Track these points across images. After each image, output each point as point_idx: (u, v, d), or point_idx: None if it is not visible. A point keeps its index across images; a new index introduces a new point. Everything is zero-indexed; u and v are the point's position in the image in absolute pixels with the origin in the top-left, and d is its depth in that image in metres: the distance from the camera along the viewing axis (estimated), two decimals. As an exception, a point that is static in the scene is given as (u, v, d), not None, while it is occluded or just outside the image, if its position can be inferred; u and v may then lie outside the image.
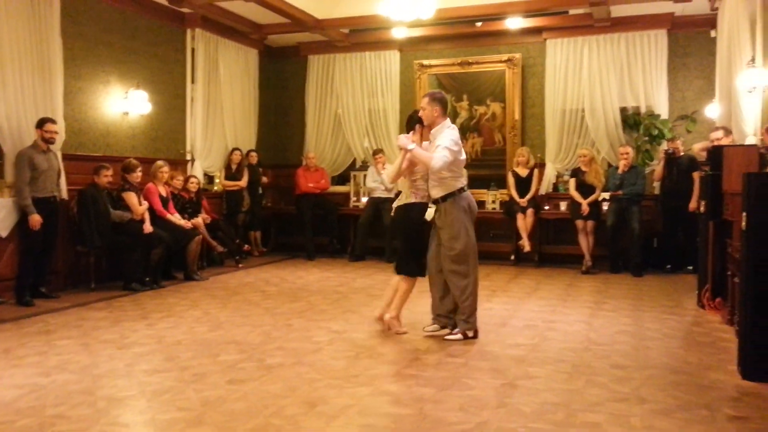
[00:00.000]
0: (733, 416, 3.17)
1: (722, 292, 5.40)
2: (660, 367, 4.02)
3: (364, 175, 9.47)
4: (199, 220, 7.67)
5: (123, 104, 7.55)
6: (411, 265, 4.77)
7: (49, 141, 6.05)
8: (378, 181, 9.12)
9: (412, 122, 4.88)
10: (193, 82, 8.65)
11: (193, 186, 7.91)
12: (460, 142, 4.67)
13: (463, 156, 4.69)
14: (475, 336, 4.71)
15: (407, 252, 4.76)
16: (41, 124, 6.04)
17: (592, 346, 4.51)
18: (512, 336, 4.81)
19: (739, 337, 3.97)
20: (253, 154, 9.37)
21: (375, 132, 9.76)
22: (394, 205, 4.89)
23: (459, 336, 4.69)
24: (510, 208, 8.46)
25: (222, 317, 5.45)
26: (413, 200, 4.72)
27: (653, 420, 3.10)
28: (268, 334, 4.83)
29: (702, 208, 5.83)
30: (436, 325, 4.89)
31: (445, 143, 4.56)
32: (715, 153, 5.48)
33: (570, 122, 8.89)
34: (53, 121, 6.12)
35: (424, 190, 4.73)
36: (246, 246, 8.79)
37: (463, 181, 4.68)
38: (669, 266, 8.00)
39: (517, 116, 9.11)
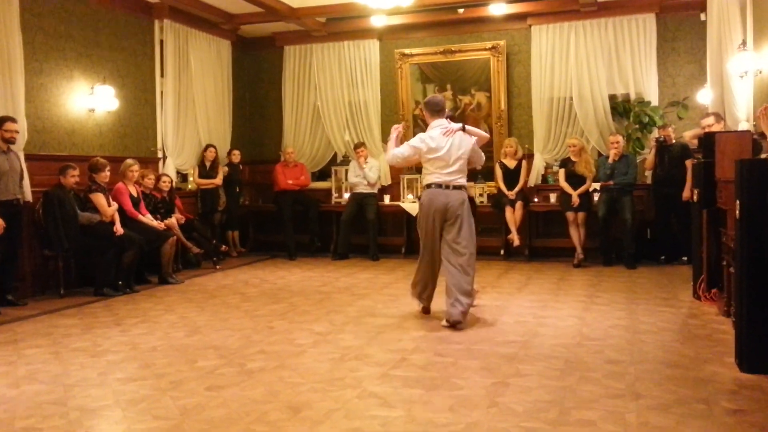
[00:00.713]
0: (732, 410, 3.22)
1: (718, 282, 5.46)
2: (655, 361, 4.06)
3: (346, 170, 9.47)
4: (173, 220, 7.62)
5: (89, 100, 7.47)
6: None
7: (10, 141, 5.97)
8: (360, 176, 9.12)
9: None
10: (162, 75, 8.58)
11: (165, 185, 7.85)
12: (429, 140, 5.12)
13: (437, 154, 5.09)
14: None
15: None
16: (0, 123, 5.94)
17: (585, 342, 4.55)
18: (503, 333, 4.84)
19: (736, 328, 4.02)
20: (236, 152, 9.34)
21: (356, 125, 9.75)
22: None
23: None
24: (498, 201, 8.50)
25: (199, 321, 5.42)
26: None
27: (649, 416, 3.14)
28: (249, 338, 4.82)
29: (695, 197, 5.90)
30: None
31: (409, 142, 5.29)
32: (707, 140, 5.54)
33: (558, 111, 8.94)
34: (13, 120, 6.04)
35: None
36: (223, 246, 8.76)
37: (431, 178, 5.13)
38: (663, 257, 8.08)
39: (503, 106, 9.15)
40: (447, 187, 5.08)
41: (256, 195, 10.29)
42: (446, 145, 5.07)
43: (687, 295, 6.08)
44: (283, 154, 9.69)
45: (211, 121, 9.36)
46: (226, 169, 9.16)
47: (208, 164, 8.96)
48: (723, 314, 5.15)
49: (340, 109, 9.81)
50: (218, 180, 8.98)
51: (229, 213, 9.24)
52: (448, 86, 9.37)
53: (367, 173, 9.09)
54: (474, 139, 5.18)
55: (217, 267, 8.29)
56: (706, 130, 6.51)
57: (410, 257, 8.97)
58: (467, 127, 5.25)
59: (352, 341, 4.69)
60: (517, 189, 8.42)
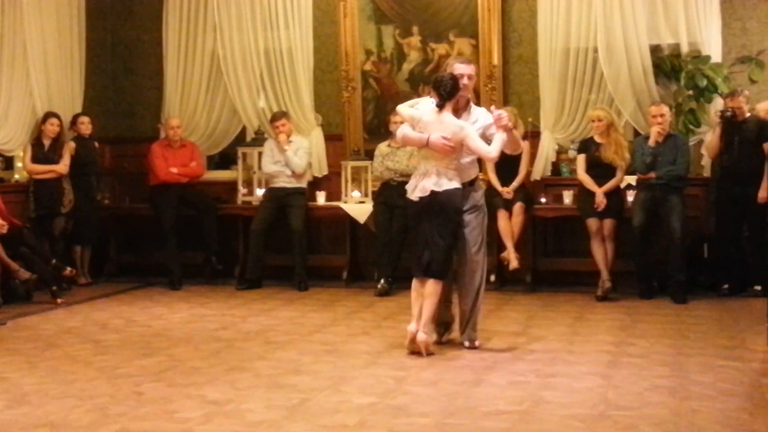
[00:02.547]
0: None
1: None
2: (712, 439, 4.15)
3: (260, 154, 9.42)
4: (-9, 228, 7.50)
5: None
6: None
7: None
8: (281, 163, 9.09)
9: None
10: (-24, 6, 8.45)
11: (-22, 174, 7.72)
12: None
13: None
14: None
15: None
16: None
17: (611, 412, 4.60)
18: (490, 399, 4.87)
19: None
20: (84, 119, 9.23)
21: (275, 85, 9.70)
22: None
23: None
24: (488, 201, 8.53)
25: (28, 385, 5.33)
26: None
27: None
28: (104, 410, 4.75)
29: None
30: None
31: None
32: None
33: (576, 69, 9.02)
34: None
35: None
36: (68, 269, 8.62)
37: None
38: (726, 286, 8.23)
39: (495, 60, 9.21)
40: None
41: (121, 190, 10.16)
42: None
43: (760, 343, 6.19)
44: (164, 129, 9.60)
45: (53, 78, 9.23)
46: (73, 145, 9.03)
47: (47, 143, 8.85)
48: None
49: (251, 61, 9.75)
50: (62, 167, 8.85)
51: (79, 218, 9.11)
52: (415, 29, 9.39)
53: (290, 158, 9.05)
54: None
55: (59, 300, 8.16)
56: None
57: (355, 285, 8.99)
58: None
59: (264, 414, 4.65)
60: (515, 184, 8.48)
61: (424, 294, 6.00)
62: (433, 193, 5.99)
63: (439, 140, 5.93)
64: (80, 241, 9.26)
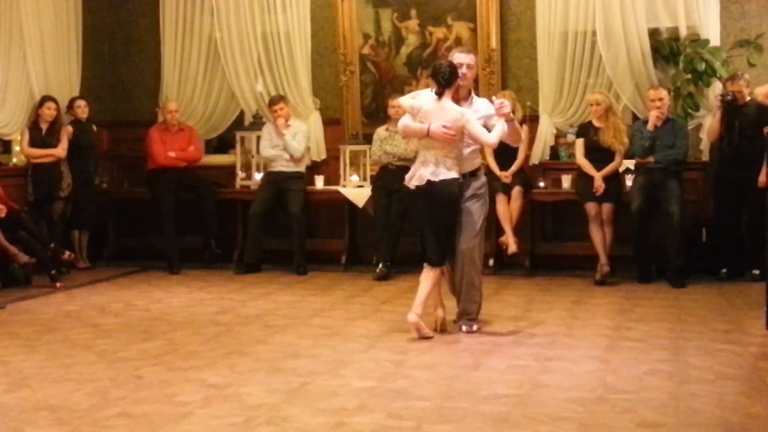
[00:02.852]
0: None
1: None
2: (711, 423, 4.15)
3: (258, 138, 9.41)
4: (-11, 212, 7.50)
5: None
6: None
7: None
8: (279, 147, 9.08)
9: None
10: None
11: (-24, 158, 7.72)
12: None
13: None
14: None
15: None
16: None
17: (609, 396, 4.62)
18: (489, 383, 4.89)
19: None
20: (81, 103, 9.21)
21: (273, 69, 9.69)
22: None
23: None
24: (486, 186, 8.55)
25: (28, 368, 5.34)
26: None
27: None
28: (104, 394, 4.76)
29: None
30: None
31: None
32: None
33: (575, 53, 9.01)
34: None
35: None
36: (67, 253, 8.62)
37: None
38: (725, 271, 8.25)
39: (494, 43, 9.19)
40: None
41: (119, 175, 10.16)
42: None
43: (758, 327, 6.22)
44: (162, 113, 9.57)
45: (50, 62, 9.22)
46: (70, 129, 9.02)
47: (44, 127, 8.84)
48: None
49: (249, 44, 9.73)
50: (60, 150, 8.84)
51: (78, 202, 9.11)
52: (413, 12, 9.37)
53: (289, 142, 9.04)
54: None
55: (58, 285, 8.17)
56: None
57: (354, 270, 9.00)
58: None
59: (263, 397, 4.67)
60: (513, 168, 8.48)
61: (420, 278, 6.06)
62: (429, 182, 5.99)
63: (440, 129, 5.91)
64: (79, 225, 9.28)
